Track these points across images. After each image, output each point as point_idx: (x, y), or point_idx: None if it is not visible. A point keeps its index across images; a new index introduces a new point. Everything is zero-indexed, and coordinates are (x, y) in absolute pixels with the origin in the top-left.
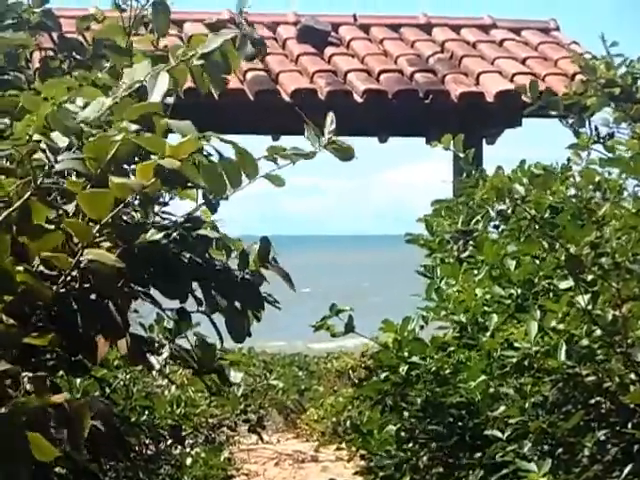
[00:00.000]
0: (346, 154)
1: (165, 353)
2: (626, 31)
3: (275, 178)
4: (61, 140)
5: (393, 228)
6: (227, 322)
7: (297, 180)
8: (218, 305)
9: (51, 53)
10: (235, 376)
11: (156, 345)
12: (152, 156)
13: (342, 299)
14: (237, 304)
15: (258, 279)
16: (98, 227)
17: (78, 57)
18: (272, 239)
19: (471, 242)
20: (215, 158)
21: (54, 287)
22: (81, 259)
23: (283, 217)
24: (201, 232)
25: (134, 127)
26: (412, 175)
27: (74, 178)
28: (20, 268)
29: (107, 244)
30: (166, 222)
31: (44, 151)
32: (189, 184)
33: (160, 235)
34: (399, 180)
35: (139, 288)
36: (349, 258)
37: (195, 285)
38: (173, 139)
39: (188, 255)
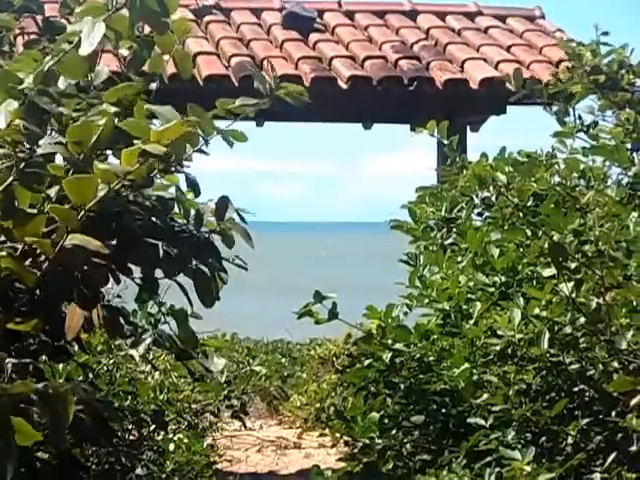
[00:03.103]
0: (297, 98)
1: (148, 339)
2: (611, 17)
3: (235, 134)
4: (12, 105)
5: (373, 215)
6: (195, 285)
7: (274, 165)
8: (177, 266)
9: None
10: (217, 363)
11: (139, 331)
12: (135, 141)
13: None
14: (204, 267)
15: (228, 241)
16: (83, 213)
17: None
18: (255, 225)
19: (455, 229)
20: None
21: (32, 267)
22: (65, 244)
23: (261, 203)
24: (158, 193)
25: (113, 109)
26: (395, 162)
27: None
28: (3, 253)
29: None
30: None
31: (25, 135)
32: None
33: (105, 190)
34: (381, 166)
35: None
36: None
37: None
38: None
39: (147, 217)
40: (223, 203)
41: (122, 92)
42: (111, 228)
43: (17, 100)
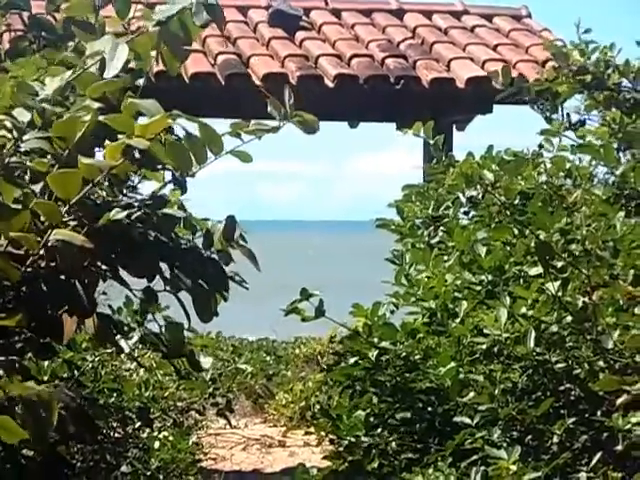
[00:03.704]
0: (310, 126)
1: (135, 337)
2: (601, 17)
3: (241, 154)
4: (24, 116)
5: (360, 214)
6: (194, 301)
7: (260, 166)
8: (183, 283)
9: (21, 34)
10: (205, 361)
11: (125, 329)
12: (120, 136)
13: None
14: (204, 284)
15: (225, 259)
16: (67, 207)
17: (48, 37)
18: (249, 224)
19: (441, 228)
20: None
21: (21, 267)
22: (49, 239)
23: (256, 203)
24: (166, 211)
25: (96, 105)
26: (381, 160)
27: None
28: None
29: (73, 223)
30: (131, 200)
31: (10, 131)
32: (159, 166)
33: (123, 214)
34: (368, 165)
35: (106, 267)
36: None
37: (163, 267)
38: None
39: (154, 234)
40: (232, 223)
41: (105, 88)
42: (116, 238)
43: (30, 112)
